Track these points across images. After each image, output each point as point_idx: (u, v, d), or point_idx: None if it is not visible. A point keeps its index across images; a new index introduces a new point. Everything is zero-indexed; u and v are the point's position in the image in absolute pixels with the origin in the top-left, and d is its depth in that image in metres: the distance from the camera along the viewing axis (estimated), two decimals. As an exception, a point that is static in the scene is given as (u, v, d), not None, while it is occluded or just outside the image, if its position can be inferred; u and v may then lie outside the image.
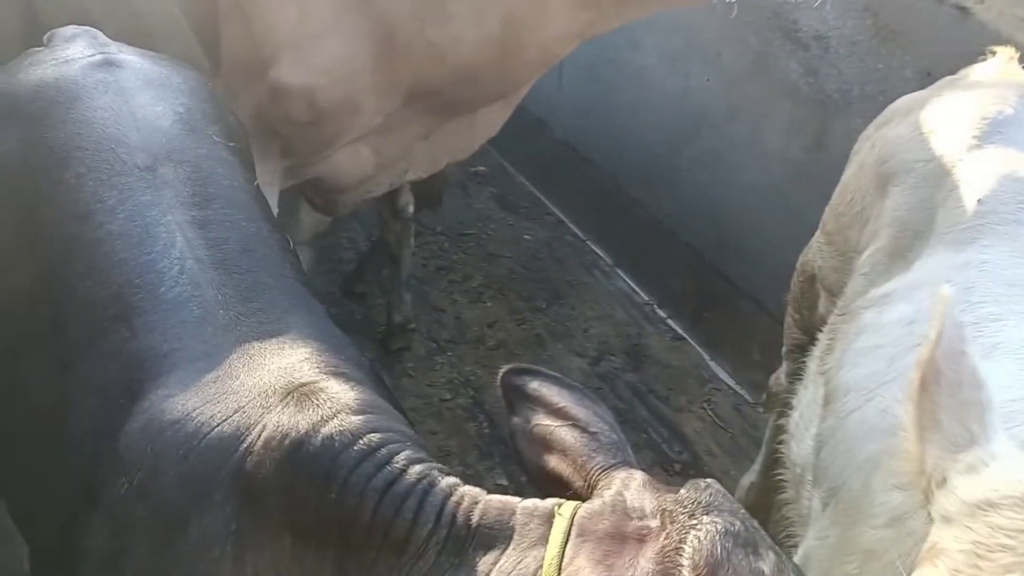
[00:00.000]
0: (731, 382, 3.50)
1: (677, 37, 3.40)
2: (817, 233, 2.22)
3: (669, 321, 3.74)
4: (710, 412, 3.41)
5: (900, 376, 1.52)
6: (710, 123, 3.35)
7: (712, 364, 3.56)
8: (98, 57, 1.73)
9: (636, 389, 3.46)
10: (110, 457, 1.29)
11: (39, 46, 1.89)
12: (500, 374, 1.28)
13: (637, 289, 3.86)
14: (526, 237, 4.09)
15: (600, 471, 1.13)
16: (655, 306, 3.79)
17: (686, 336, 3.68)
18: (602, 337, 3.65)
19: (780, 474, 2.01)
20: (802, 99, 2.95)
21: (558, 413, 1.21)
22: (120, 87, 1.66)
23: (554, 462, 1.18)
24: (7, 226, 1.56)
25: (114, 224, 1.46)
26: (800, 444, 1.85)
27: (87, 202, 1.49)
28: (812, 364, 1.97)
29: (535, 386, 1.24)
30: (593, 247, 4.07)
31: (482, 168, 4.38)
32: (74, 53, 1.76)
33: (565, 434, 1.18)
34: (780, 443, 2.05)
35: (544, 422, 1.21)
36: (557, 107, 4.05)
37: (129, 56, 1.78)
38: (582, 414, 1.20)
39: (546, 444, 1.19)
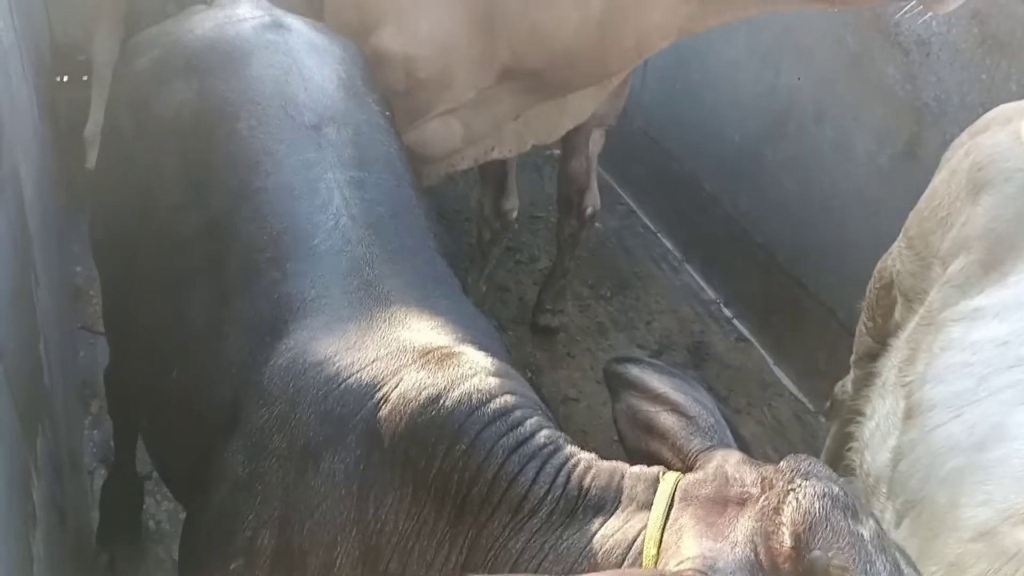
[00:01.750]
0: (793, 388, 3.49)
1: (770, 32, 3.36)
2: (899, 238, 2.23)
3: (735, 321, 3.73)
4: (770, 417, 3.38)
5: (990, 396, 1.48)
6: (797, 123, 3.31)
7: (776, 369, 3.55)
8: (268, 19, 1.86)
9: (695, 387, 3.42)
10: (254, 389, 1.39)
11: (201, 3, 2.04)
12: (605, 364, 1.34)
13: (705, 286, 3.85)
14: (596, 225, 4.07)
15: (698, 452, 1.18)
16: (722, 305, 3.78)
17: (751, 338, 3.67)
18: (665, 331, 3.65)
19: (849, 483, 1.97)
20: (896, 105, 2.91)
21: (658, 399, 1.26)
22: (289, 48, 1.79)
23: (655, 446, 1.24)
24: (182, 170, 1.69)
25: (280, 176, 1.58)
26: (875, 455, 1.83)
27: (257, 153, 1.61)
28: (891, 375, 1.94)
29: (637, 372, 1.30)
30: (663, 240, 4.07)
31: (557, 151, 4.35)
32: (244, 13, 1.89)
33: (664, 419, 1.24)
34: (850, 451, 2.01)
35: (645, 407, 1.26)
36: (639, 96, 4.04)
37: (295, 21, 1.92)
38: (681, 399, 1.25)
39: (647, 428, 1.25)
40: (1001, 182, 1.86)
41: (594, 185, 3.37)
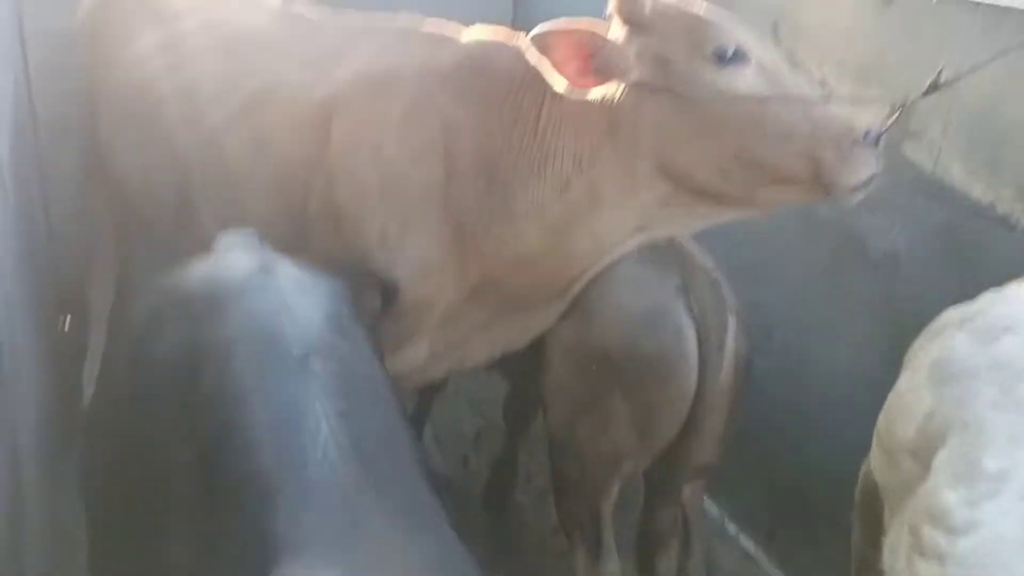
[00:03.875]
0: (805, 606, 3.34)
1: (748, 249, 3.51)
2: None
3: (740, 537, 3.62)
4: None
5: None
6: (781, 338, 3.41)
7: (785, 585, 3.42)
8: (258, 263, 2.00)
9: (705, 610, 3.31)
10: None
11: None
12: None
13: (709, 502, 3.78)
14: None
15: None
16: (726, 520, 3.69)
17: (757, 555, 3.55)
18: (669, 552, 3.53)
19: None
20: (875, 317, 3.01)
21: None
22: (278, 288, 1.91)
23: None
24: (173, 411, 1.75)
25: (268, 410, 1.64)
26: None
27: (245, 389, 1.68)
28: (898, 563, 1.90)
29: None
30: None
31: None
32: (237, 260, 2.03)
33: None
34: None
35: None
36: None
37: (283, 263, 2.06)
38: None
39: None
40: (968, 378, 1.93)
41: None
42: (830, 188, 2.44)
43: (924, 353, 2.18)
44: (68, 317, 4.01)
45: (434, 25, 2.84)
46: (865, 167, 2.43)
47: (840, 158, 2.41)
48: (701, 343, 2.50)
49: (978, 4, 2.69)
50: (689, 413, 2.54)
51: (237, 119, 2.82)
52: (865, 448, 2.47)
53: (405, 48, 2.75)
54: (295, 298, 1.89)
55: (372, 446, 1.63)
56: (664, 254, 2.62)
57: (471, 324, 2.83)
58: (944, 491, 1.81)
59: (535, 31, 2.38)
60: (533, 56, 2.39)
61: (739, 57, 2.42)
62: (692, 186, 2.50)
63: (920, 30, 2.79)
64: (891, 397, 2.24)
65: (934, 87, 2.39)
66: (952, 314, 2.22)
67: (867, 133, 2.44)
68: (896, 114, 2.50)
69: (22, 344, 2.62)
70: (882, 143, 2.49)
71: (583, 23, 2.40)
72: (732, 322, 2.63)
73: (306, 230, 2.76)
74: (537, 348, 2.83)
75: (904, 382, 2.20)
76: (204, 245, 2.24)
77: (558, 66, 2.37)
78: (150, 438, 1.75)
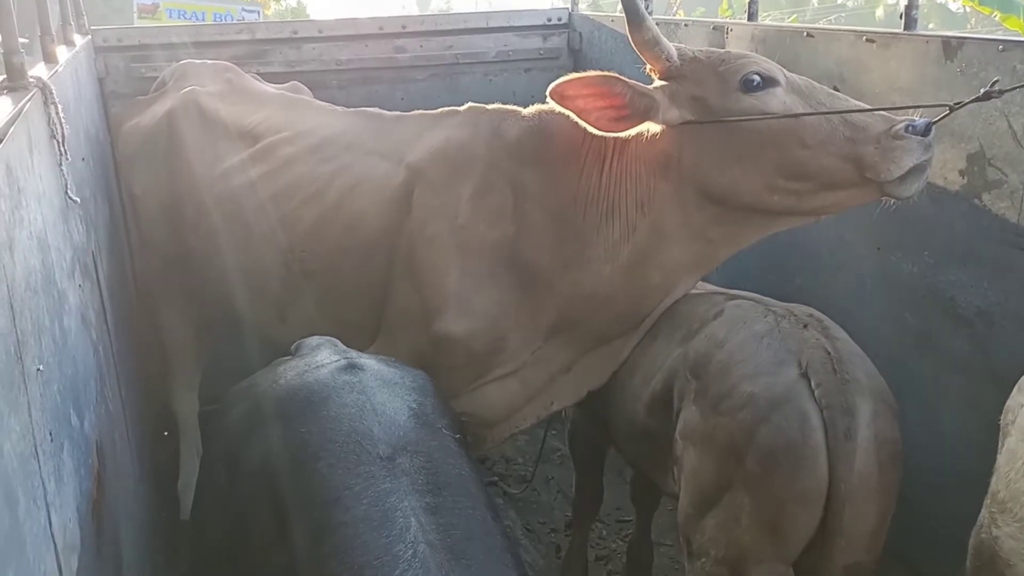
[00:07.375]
0: None
1: (832, 312, 3.46)
2: (985, 508, 2.21)
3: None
4: None
5: None
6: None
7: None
8: (343, 362, 2.08)
9: None
10: None
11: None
12: None
13: None
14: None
15: None
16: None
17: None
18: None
19: None
20: (975, 376, 2.92)
21: None
22: (363, 386, 1.99)
23: None
24: (269, 514, 1.82)
25: (358, 509, 1.69)
26: None
27: (336, 489, 1.75)
28: None
29: None
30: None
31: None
32: (322, 359, 2.11)
33: None
34: None
35: None
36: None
37: (367, 360, 2.13)
38: None
39: None
40: None
41: None
42: (879, 184, 2.56)
43: None
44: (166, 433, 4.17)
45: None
46: (907, 156, 2.53)
47: (880, 151, 2.53)
48: (827, 430, 2.31)
49: (1048, 46, 2.69)
50: (825, 508, 2.33)
51: (333, 211, 3.14)
52: (973, 515, 2.39)
53: (475, 125, 3.05)
54: (380, 395, 1.97)
55: (462, 539, 1.66)
56: (785, 339, 2.51)
57: (558, 365, 3.03)
58: None
59: (552, 85, 2.61)
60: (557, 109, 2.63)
61: (768, 81, 2.64)
62: (741, 204, 2.69)
63: (988, 77, 2.78)
64: (1005, 462, 2.16)
65: (987, 95, 2.42)
66: None
67: (909, 126, 2.53)
68: (945, 113, 2.54)
69: (121, 459, 2.75)
70: (932, 135, 2.55)
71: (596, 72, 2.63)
72: (867, 406, 2.39)
73: (388, 290, 3.01)
74: (667, 431, 2.72)
75: (1016, 444, 2.13)
76: (303, 331, 2.38)
77: (582, 114, 2.61)
78: (248, 542, 1.82)
